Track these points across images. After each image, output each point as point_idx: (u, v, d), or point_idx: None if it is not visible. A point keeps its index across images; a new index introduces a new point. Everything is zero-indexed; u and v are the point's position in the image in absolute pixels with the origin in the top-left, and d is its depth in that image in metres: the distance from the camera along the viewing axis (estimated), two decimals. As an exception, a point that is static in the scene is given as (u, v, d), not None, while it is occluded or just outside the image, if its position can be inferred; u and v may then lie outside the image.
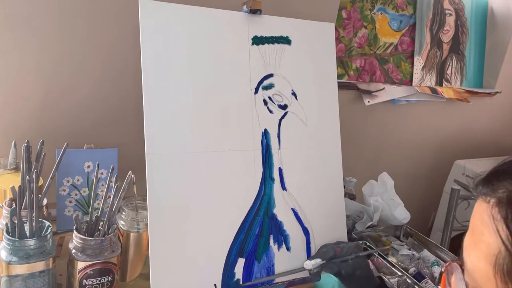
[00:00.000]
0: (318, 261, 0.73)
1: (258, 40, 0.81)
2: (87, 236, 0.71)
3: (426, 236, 1.14)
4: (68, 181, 0.92)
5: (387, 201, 1.18)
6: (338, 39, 1.57)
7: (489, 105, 2.00)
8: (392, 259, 1.05)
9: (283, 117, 0.82)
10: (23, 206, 0.73)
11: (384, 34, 1.69)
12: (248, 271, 0.75)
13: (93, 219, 0.74)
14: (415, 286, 0.89)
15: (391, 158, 1.82)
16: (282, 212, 0.80)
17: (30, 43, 0.98)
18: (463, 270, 0.40)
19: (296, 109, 0.83)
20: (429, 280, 0.94)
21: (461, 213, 1.43)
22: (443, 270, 0.42)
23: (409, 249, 1.08)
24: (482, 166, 1.79)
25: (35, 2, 0.95)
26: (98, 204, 0.90)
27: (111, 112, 1.11)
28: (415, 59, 1.78)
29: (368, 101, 1.58)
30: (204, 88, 0.75)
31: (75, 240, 0.71)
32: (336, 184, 0.86)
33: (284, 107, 0.82)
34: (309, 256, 0.81)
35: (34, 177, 0.68)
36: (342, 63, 1.61)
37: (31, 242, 0.66)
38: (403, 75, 1.77)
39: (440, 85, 1.87)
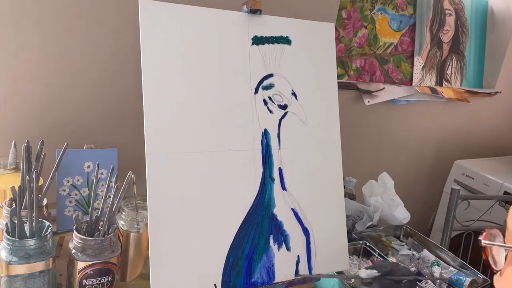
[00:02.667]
0: (374, 272, 0.75)
1: (258, 40, 0.81)
2: (87, 236, 0.71)
3: (426, 236, 1.14)
4: (68, 181, 0.92)
5: (387, 201, 1.18)
6: (338, 39, 1.57)
7: (489, 105, 2.01)
8: (392, 259, 1.05)
9: (283, 117, 0.82)
10: (23, 206, 0.73)
11: (384, 34, 1.69)
12: (248, 271, 0.76)
13: (93, 219, 0.74)
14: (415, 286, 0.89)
15: (391, 158, 1.82)
16: (282, 212, 0.80)
17: (30, 43, 0.98)
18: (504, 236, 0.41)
19: (296, 109, 0.83)
20: (429, 280, 0.94)
21: (461, 213, 1.43)
22: (482, 238, 0.42)
23: (409, 249, 1.08)
24: (482, 166, 1.79)
25: (35, 2, 0.95)
26: (98, 204, 0.90)
27: (111, 112, 1.11)
28: (415, 59, 1.78)
29: (368, 101, 1.58)
30: (204, 88, 0.75)
31: (75, 240, 0.71)
32: (336, 184, 0.86)
33: (284, 107, 0.82)
34: (309, 256, 0.81)
35: (34, 177, 0.68)
36: (342, 63, 1.61)
37: (31, 242, 0.66)
38: (403, 75, 1.77)
39: (440, 85, 1.87)
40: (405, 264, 1.03)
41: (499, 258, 0.42)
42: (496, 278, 0.45)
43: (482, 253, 0.43)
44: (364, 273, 0.75)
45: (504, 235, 0.42)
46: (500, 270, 0.43)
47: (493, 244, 0.42)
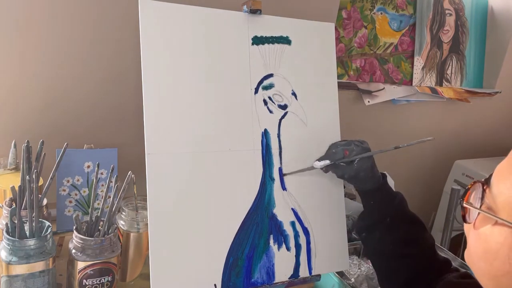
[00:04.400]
0: (326, 162, 0.77)
1: (258, 40, 0.81)
2: (87, 236, 0.71)
3: (426, 236, 1.14)
4: (68, 181, 0.92)
5: (387, 201, 1.18)
6: (338, 39, 1.57)
7: (489, 105, 2.00)
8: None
9: (283, 117, 0.82)
10: (23, 206, 0.74)
11: (384, 34, 1.69)
12: (248, 271, 0.75)
13: (93, 219, 0.74)
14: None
15: (391, 158, 1.82)
16: (282, 212, 0.80)
17: (30, 43, 0.98)
18: (483, 190, 0.44)
19: (296, 109, 0.83)
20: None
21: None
22: (469, 186, 0.46)
23: (409, 249, 1.08)
24: (482, 166, 1.79)
25: (36, 3, 0.95)
26: (98, 204, 0.90)
27: (111, 112, 1.11)
28: (415, 59, 1.77)
29: (368, 101, 1.58)
30: (204, 88, 0.75)
31: (75, 240, 0.71)
32: (336, 184, 0.86)
33: (284, 107, 0.82)
34: (309, 256, 0.81)
35: (34, 177, 0.68)
36: (342, 63, 1.61)
37: (31, 242, 0.66)
38: (403, 75, 1.77)
39: (440, 85, 1.87)
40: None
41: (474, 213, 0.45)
42: (468, 228, 0.47)
43: (461, 210, 0.47)
44: (318, 165, 0.78)
45: (483, 189, 0.44)
46: (471, 223, 0.46)
47: (475, 208, 0.44)
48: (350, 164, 0.76)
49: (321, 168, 0.79)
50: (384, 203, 0.78)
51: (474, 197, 0.45)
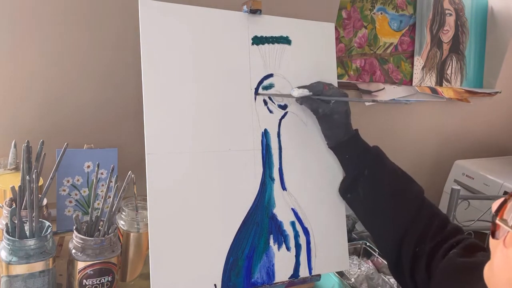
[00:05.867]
0: (305, 91, 0.77)
1: (258, 40, 0.81)
2: (87, 236, 0.71)
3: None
4: (68, 181, 0.92)
5: (387, 201, 1.18)
6: (338, 39, 1.57)
7: (489, 105, 2.01)
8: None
9: (283, 117, 0.82)
10: (23, 206, 0.73)
11: (384, 34, 1.69)
12: (248, 271, 0.75)
13: (93, 219, 0.74)
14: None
15: (391, 158, 1.82)
16: (282, 212, 0.80)
17: (30, 43, 0.98)
18: None
19: (296, 109, 0.83)
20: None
21: (461, 213, 1.43)
22: (507, 198, 0.39)
23: (409, 249, 1.08)
24: (482, 166, 1.79)
25: (36, 2, 0.95)
26: (98, 204, 0.90)
27: (111, 112, 1.11)
28: (415, 59, 1.78)
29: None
30: (204, 88, 0.75)
31: (75, 240, 0.71)
32: (336, 184, 0.86)
33: (284, 107, 0.82)
34: (309, 256, 0.81)
35: (34, 177, 0.68)
36: (342, 63, 1.61)
37: (31, 242, 0.66)
38: (403, 75, 1.77)
39: (440, 85, 1.87)
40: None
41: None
42: (496, 244, 0.41)
43: (491, 225, 0.40)
44: (296, 92, 0.77)
45: None
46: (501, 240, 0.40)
47: (508, 228, 0.38)
48: (327, 102, 0.76)
49: (296, 100, 0.79)
50: (359, 155, 0.77)
51: (508, 211, 0.39)
